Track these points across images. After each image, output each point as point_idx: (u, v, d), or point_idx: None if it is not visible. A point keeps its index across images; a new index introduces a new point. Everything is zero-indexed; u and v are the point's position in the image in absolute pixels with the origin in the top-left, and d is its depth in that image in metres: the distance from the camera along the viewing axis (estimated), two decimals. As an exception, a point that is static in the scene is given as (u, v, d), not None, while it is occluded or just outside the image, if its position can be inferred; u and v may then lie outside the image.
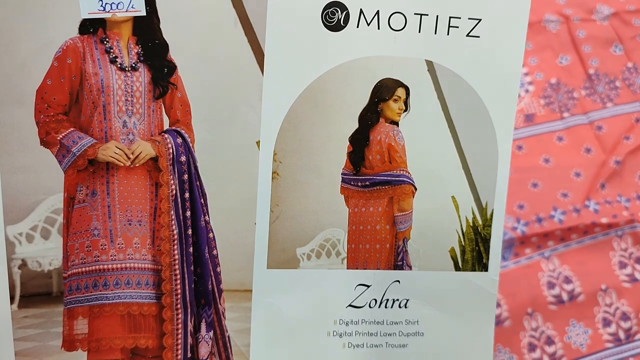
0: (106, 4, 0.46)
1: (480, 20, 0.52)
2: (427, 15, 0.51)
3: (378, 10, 0.51)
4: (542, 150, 0.73)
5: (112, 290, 0.52)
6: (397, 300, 0.55)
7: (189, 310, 0.53)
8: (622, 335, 0.71)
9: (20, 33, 0.47)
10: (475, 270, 0.57)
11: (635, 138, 0.77)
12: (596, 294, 0.72)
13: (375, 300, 0.55)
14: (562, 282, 0.71)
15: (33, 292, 0.51)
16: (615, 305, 0.72)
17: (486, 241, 0.56)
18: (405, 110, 0.54)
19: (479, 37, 0.53)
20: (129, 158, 0.50)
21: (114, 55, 0.50)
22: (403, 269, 0.56)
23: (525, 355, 0.68)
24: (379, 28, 0.51)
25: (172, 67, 0.50)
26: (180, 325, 0.53)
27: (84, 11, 0.47)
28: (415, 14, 0.51)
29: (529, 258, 0.70)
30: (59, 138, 0.48)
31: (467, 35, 0.52)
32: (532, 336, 0.69)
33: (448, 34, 0.52)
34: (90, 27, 0.48)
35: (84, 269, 0.51)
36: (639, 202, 0.75)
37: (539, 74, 0.76)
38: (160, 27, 0.50)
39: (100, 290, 0.52)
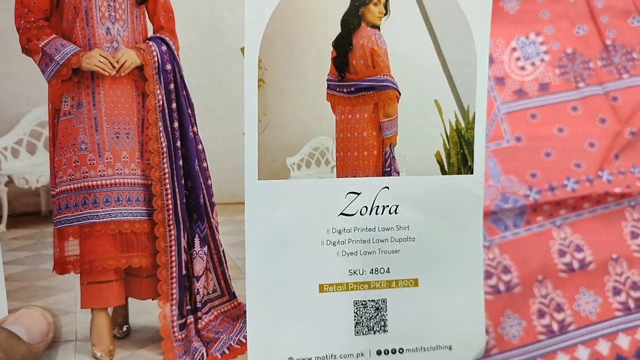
0: None
1: None
2: None
3: None
4: (556, 120, 0.73)
5: (102, 208, 0.51)
6: (387, 206, 0.55)
7: (182, 225, 0.53)
8: (632, 304, 0.71)
9: None
10: (461, 174, 0.58)
11: (651, 109, 0.76)
12: (607, 263, 0.72)
13: (366, 208, 0.55)
14: (573, 251, 0.71)
15: (21, 212, 0.50)
16: (625, 275, 0.72)
17: (470, 144, 0.57)
18: (386, 14, 0.54)
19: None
20: (113, 67, 0.50)
21: (93, -42, 0.48)
22: (391, 175, 0.57)
23: (534, 321, 0.69)
24: None
25: (154, -28, 0.50)
26: (173, 242, 0.52)
27: None
28: None
29: (541, 226, 0.71)
30: (41, 45, 0.47)
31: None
32: (542, 303, 0.70)
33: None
34: None
35: (72, 186, 0.50)
36: (653, 174, 0.75)
37: (555, 43, 0.75)
38: None
39: (90, 209, 0.51)
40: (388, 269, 0.56)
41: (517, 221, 0.70)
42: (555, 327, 0.70)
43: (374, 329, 0.56)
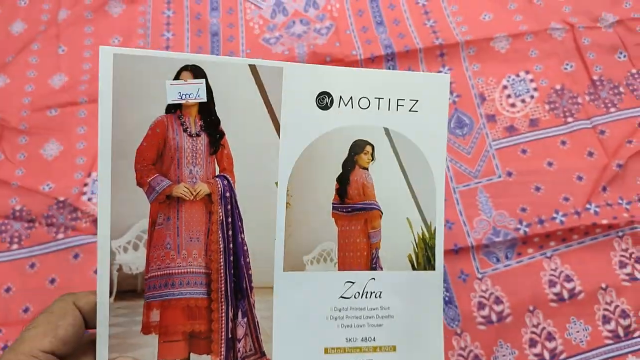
0: (183, 94, 0.64)
1: (417, 100, 0.67)
2: (383, 98, 0.66)
3: (351, 96, 0.65)
4: (546, 154, 0.73)
5: (177, 289, 0.65)
6: (374, 292, 0.68)
7: (230, 302, 0.66)
8: (621, 332, 0.71)
9: (127, 111, 0.62)
10: (426, 270, 0.69)
11: (637, 142, 0.75)
12: (596, 293, 0.71)
13: (359, 293, 0.67)
14: (563, 281, 0.71)
15: (124, 289, 0.64)
16: (615, 304, 0.71)
17: (432, 248, 0.69)
18: (372, 160, 0.68)
19: (417, 111, 0.67)
20: (192, 194, 0.67)
21: (185, 127, 0.65)
22: (377, 270, 0.69)
23: (526, 350, 0.70)
24: (352, 107, 0.65)
25: (222, 134, 0.66)
26: (223, 314, 0.66)
27: (169, 99, 0.63)
28: (375, 97, 0.66)
29: (531, 257, 0.72)
30: (148, 181, 0.64)
31: (410, 110, 0.67)
32: (534, 332, 0.70)
33: (397, 110, 0.66)
34: (173, 108, 0.65)
35: (158, 273, 0.66)
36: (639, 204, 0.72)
37: (544, 80, 0.75)
38: (215, 109, 0.66)
39: (169, 289, 0.65)
40: (374, 337, 0.67)
41: (509, 253, 0.72)
42: (547, 355, 0.71)
43: (365, 383, 0.69)
